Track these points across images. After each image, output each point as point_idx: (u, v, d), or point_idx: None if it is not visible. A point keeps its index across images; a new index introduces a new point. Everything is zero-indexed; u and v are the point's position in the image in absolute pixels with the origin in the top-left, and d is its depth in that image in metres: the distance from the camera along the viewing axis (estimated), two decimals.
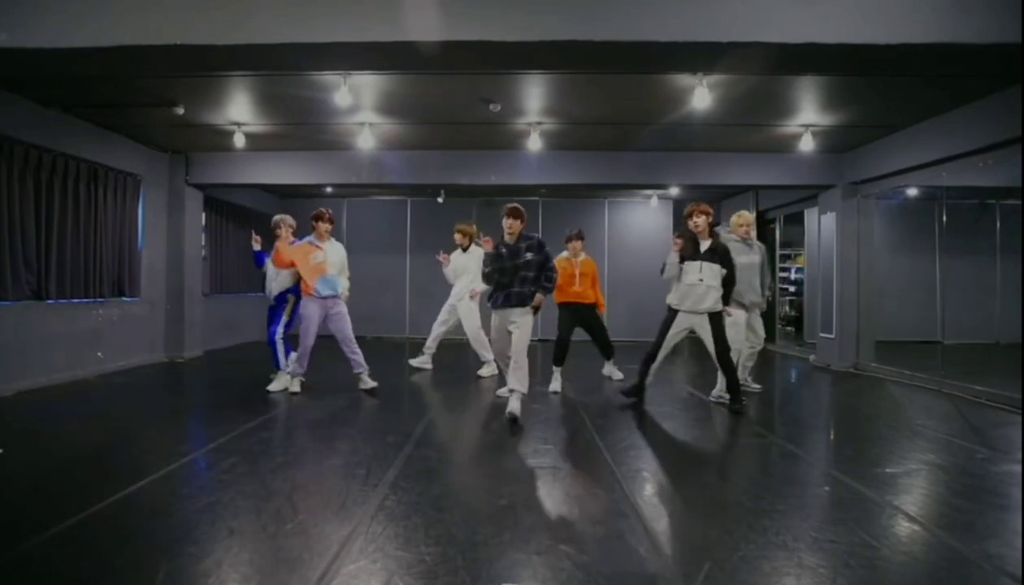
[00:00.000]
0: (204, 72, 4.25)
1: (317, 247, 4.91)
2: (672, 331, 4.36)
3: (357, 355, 4.96)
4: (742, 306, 4.83)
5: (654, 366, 4.51)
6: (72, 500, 2.52)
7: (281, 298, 5.20)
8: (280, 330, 5.18)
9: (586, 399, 4.89)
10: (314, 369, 5.15)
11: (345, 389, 4.97)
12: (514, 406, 3.95)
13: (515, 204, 4.15)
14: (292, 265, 4.86)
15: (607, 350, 5.73)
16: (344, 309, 4.95)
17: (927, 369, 5.80)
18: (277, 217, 5.21)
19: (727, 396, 4.52)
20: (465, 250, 5.87)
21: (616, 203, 9.94)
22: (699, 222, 4.27)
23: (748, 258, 4.87)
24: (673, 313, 4.37)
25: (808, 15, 2.92)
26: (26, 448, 3.41)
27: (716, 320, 4.28)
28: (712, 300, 4.25)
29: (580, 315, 5.46)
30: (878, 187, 6.54)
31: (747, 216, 5.09)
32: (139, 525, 2.36)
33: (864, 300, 6.81)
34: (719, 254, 4.29)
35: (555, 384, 5.17)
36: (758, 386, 5.24)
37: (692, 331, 4.37)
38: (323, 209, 4.99)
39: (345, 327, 4.94)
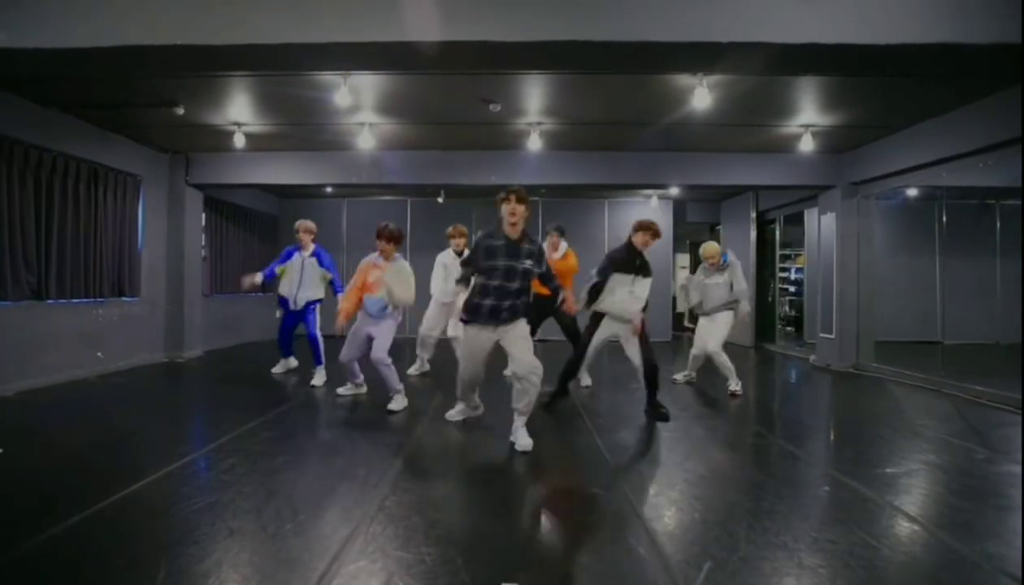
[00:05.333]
0: (204, 72, 4.25)
1: (377, 266, 4.38)
2: (599, 336, 4.35)
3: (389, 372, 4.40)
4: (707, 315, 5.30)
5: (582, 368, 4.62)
6: (72, 500, 2.52)
7: (309, 307, 5.46)
8: (317, 328, 5.46)
9: (585, 399, 4.88)
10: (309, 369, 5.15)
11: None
12: (525, 441, 3.39)
13: (520, 188, 3.38)
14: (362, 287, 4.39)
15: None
16: (387, 323, 4.43)
17: (927, 369, 5.80)
18: (301, 222, 5.46)
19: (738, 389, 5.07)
20: (459, 254, 5.50)
21: (616, 203, 9.93)
22: (647, 240, 4.23)
23: (715, 278, 5.28)
24: (599, 318, 4.31)
25: (808, 15, 2.92)
26: (26, 448, 3.41)
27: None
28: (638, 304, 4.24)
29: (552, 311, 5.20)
30: (878, 187, 6.54)
31: (713, 247, 5.32)
32: (139, 525, 2.36)
33: (864, 300, 6.81)
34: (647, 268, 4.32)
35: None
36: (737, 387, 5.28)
37: (616, 337, 4.35)
38: (383, 224, 4.36)
39: (380, 343, 4.37)
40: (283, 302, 5.51)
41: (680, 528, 2.38)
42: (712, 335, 5.18)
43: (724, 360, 5.13)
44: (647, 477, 3.09)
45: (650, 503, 2.66)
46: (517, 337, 3.43)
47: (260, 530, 2.27)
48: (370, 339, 4.40)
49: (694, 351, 5.45)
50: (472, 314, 3.41)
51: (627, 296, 4.17)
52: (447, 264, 5.53)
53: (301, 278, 5.36)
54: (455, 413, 3.97)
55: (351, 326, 4.47)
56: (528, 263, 3.38)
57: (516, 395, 3.45)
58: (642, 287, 4.21)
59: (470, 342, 3.48)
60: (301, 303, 5.38)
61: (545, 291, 5.04)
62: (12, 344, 4.89)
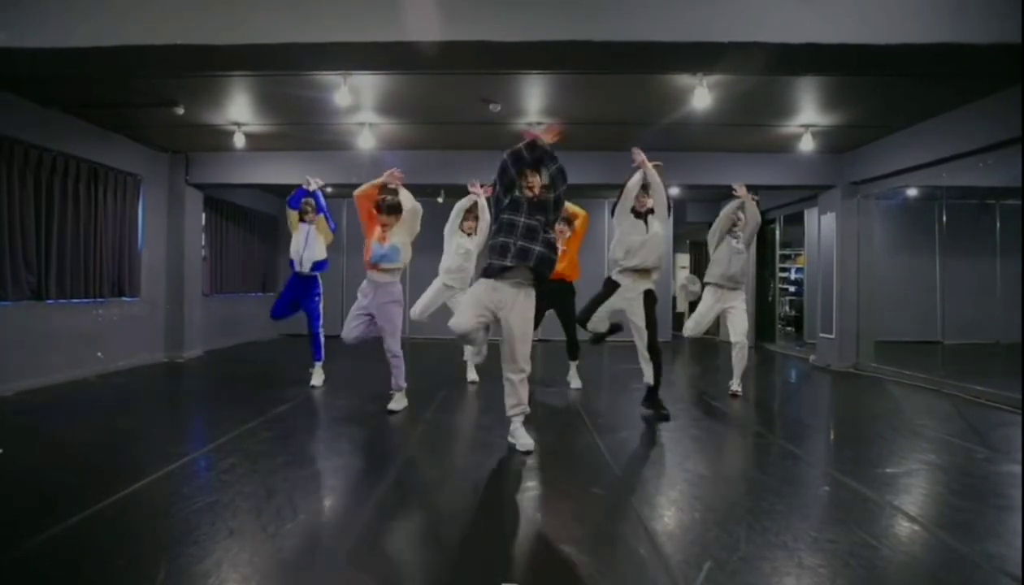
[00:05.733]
0: (204, 72, 4.25)
1: (384, 223, 4.25)
2: (609, 304, 4.28)
3: (397, 363, 4.29)
4: (721, 287, 5.07)
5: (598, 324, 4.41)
6: (72, 500, 2.52)
7: (317, 269, 5.22)
8: (321, 324, 5.29)
9: (587, 399, 4.88)
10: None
11: (347, 388, 4.97)
12: (526, 441, 3.34)
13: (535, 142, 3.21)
14: (370, 215, 4.24)
15: (574, 348, 5.26)
16: (390, 307, 4.25)
17: (927, 369, 5.80)
18: (305, 202, 5.28)
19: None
20: (470, 235, 5.30)
21: None
22: (644, 200, 4.14)
23: (738, 244, 5.08)
24: (613, 287, 4.27)
25: (808, 15, 2.92)
26: (26, 448, 3.41)
27: (650, 301, 4.17)
28: (656, 259, 4.17)
29: (553, 298, 4.81)
30: (878, 187, 6.54)
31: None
32: (139, 525, 2.36)
33: (864, 300, 6.81)
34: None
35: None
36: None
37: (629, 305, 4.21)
38: (380, 198, 4.24)
39: (388, 330, 4.24)
40: (290, 263, 5.35)
41: (680, 528, 2.38)
42: (742, 322, 5.00)
43: (746, 353, 5.02)
44: (647, 477, 3.09)
45: (650, 503, 2.66)
46: (520, 320, 3.23)
47: (260, 530, 2.27)
48: (372, 318, 4.28)
49: (688, 331, 5.26)
50: (493, 256, 3.20)
51: (641, 243, 4.12)
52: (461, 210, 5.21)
53: (307, 240, 5.23)
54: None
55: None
56: (550, 194, 3.25)
57: (506, 396, 3.38)
58: (655, 230, 4.13)
59: (475, 295, 3.26)
60: (308, 265, 5.21)
61: (562, 276, 4.88)
62: (12, 344, 4.89)
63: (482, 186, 5.04)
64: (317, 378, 5.26)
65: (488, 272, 3.25)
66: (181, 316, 7.03)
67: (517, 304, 3.25)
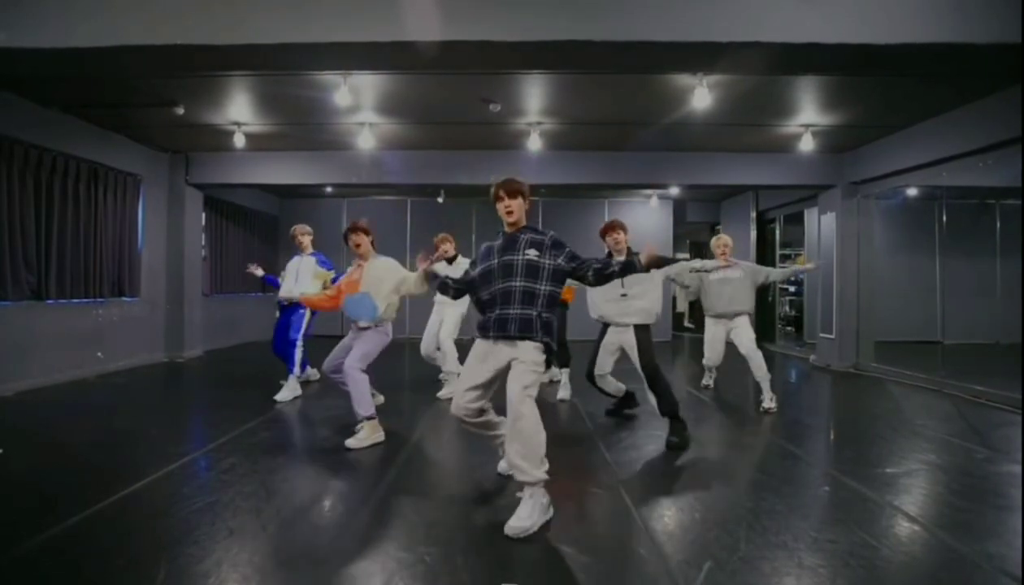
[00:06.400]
0: (204, 72, 4.25)
1: (358, 266, 3.89)
2: (605, 342, 4.06)
3: (348, 390, 3.67)
4: (720, 317, 4.81)
5: (607, 383, 4.19)
6: (72, 500, 2.52)
7: (299, 304, 5.05)
8: (301, 337, 5.06)
9: (586, 399, 4.88)
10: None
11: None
12: (523, 521, 2.31)
13: (511, 177, 2.75)
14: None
15: (564, 357, 5.10)
16: (370, 334, 3.75)
17: (927, 369, 5.80)
18: (294, 227, 5.20)
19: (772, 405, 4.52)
20: (451, 261, 5.13)
21: (616, 203, 9.94)
22: (619, 238, 3.97)
23: (727, 274, 4.75)
24: (604, 327, 4.09)
25: (808, 15, 2.92)
26: (26, 448, 3.41)
27: (643, 333, 3.87)
28: (638, 314, 3.91)
29: None
30: (878, 187, 6.55)
31: (723, 238, 4.91)
32: (139, 525, 2.36)
33: (864, 300, 6.81)
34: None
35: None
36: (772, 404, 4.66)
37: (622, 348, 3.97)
38: (354, 222, 3.89)
39: (356, 350, 3.71)
40: (280, 302, 5.29)
41: (680, 528, 2.38)
42: (747, 336, 4.68)
43: (762, 363, 4.62)
44: (647, 477, 3.09)
45: (650, 503, 2.66)
46: (519, 366, 2.50)
47: (260, 530, 2.27)
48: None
49: (706, 361, 5.13)
50: (481, 329, 2.65)
51: (618, 302, 3.94)
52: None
53: (297, 277, 5.12)
54: (506, 466, 2.78)
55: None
56: (532, 254, 2.59)
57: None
58: (636, 287, 3.93)
59: (473, 358, 2.63)
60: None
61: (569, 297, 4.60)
62: (12, 344, 4.89)
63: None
64: (286, 392, 4.81)
65: (480, 332, 2.69)
66: (181, 316, 7.03)
67: (519, 355, 2.55)
